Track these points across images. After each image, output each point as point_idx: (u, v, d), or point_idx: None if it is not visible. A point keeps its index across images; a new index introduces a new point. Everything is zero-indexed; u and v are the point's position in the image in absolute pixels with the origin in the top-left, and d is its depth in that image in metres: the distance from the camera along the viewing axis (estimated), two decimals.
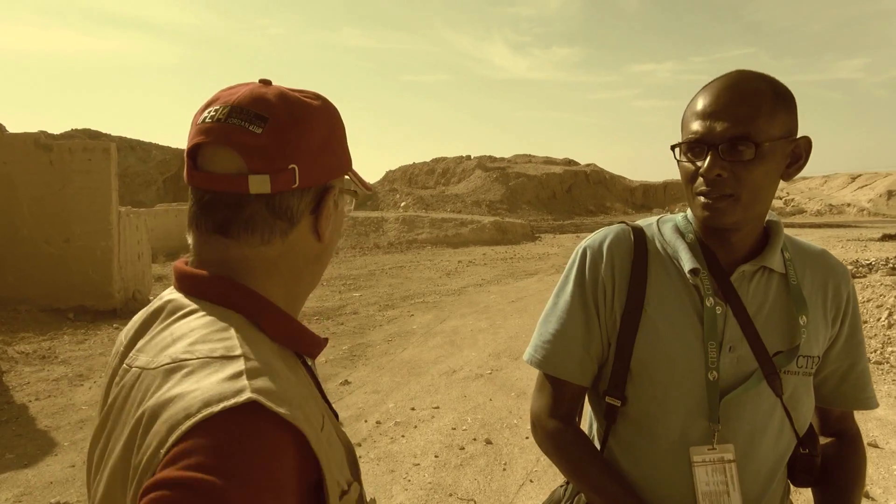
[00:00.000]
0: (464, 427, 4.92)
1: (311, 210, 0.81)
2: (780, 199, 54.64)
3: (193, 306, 0.76)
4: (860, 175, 57.43)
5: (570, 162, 57.20)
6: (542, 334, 1.29)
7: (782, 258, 1.20)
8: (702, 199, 1.12)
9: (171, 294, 0.81)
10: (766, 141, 1.07)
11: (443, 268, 16.87)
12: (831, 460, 1.28)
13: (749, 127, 1.06)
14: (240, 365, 0.66)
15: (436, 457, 4.35)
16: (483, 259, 19.13)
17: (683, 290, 1.19)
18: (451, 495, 3.80)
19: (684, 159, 1.14)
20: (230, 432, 0.60)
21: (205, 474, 0.57)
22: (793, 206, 51.08)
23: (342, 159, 0.86)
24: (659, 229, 1.27)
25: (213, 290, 0.77)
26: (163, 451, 0.60)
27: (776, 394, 1.14)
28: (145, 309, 0.84)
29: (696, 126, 1.11)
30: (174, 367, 0.68)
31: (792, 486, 1.26)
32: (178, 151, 37.73)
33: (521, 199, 45.85)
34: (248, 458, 0.60)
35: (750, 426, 1.15)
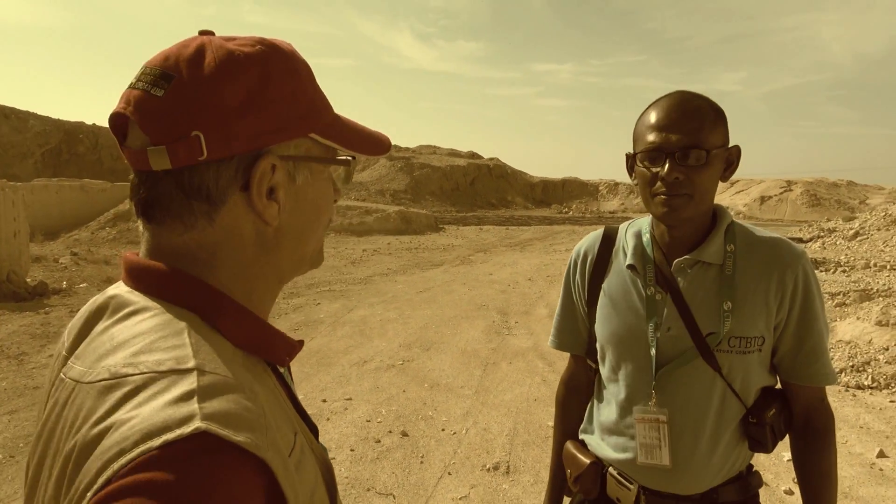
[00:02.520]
0: (378, 419, 4.83)
1: (241, 186, 0.66)
2: None
3: (141, 304, 0.64)
4: (737, 181, 61.94)
5: (473, 155, 57.90)
6: (554, 322, 1.69)
7: (723, 250, 1.36)
8: (661, 198, 1.31)
9: (116, 288, 0.68)
10: (712, 149, 1.28)
11: (347, 256, 16.60)
12: (804, 460, 1.42)
13: (698, 137, 1.26)
14: (191, 382, 0.54)
15: (351, 450, 4.24)
16: (388, 248, 19.00)
17: (631, 280, 1.44)
18: (368, 490, 3.71)
19: (642, 166, 1.33)
20: (176, 473, 0.48)
21: None
22: None
23: (291, 116, 0.68)
24: (625, 230, 1.52)
25: (162, 284, 0.65)
26: (90, 495, 0.49)
27: (714, 369, 1.33)
28: (91, 302, 0.71)
29: (652, 137, 1.30)
30: (112, 385, 0.55)
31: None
32: (59, 123, 34.89)
33: (425, 190, 45.97)
34: None
35: (685, 394, 1.36)
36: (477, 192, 49.73)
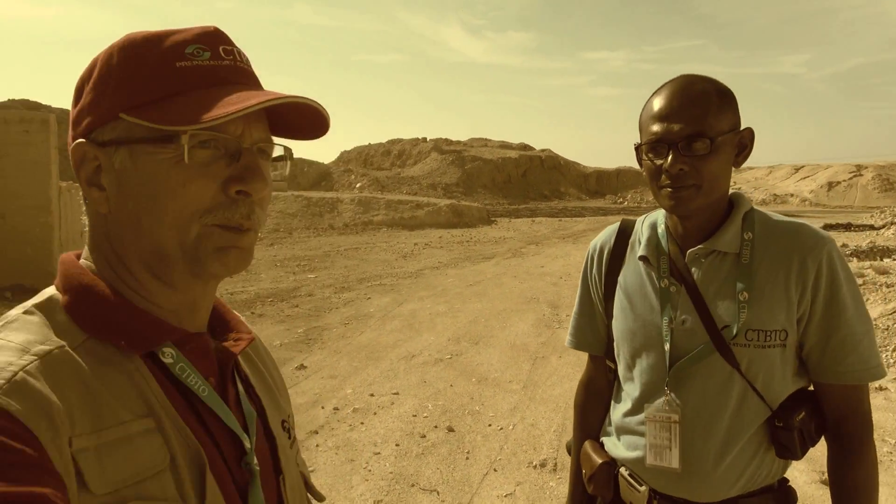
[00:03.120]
0: (424, 414, 4.81)
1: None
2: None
3: (43, 290, 0.71)
4: (803, 166, 59.52)
5: (525, 146, 57.42)
6: (571, 321, 1.63)
7: (739, 238, 1.29)
8: (668, 190, 1.25)
9: None
10: (718, 135, 1.21)
11: (399, 250, 16.71)
12: (834, 470, 1.30)
13: (702, 125, 1.20)
14: None
15: (396, 445, 4.23)
16: (439, 242, 19.03)
17: (645, 273, 1.39)
18: (413, 485, 3.68)
19: (647, 159, 1.28)
20: None
21: None
22: None
23: (98, 101, 0.68)
24: (641, 223, 1.47)
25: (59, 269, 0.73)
26: None
27: (731, 364, 1.25)
28: None
29: (654, 128, 1.25)
30: None
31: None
32: None
33: (476, 183, 45.87)
34: None
35: (700, 392, 1.28)
36: (529, 183, 49.31)
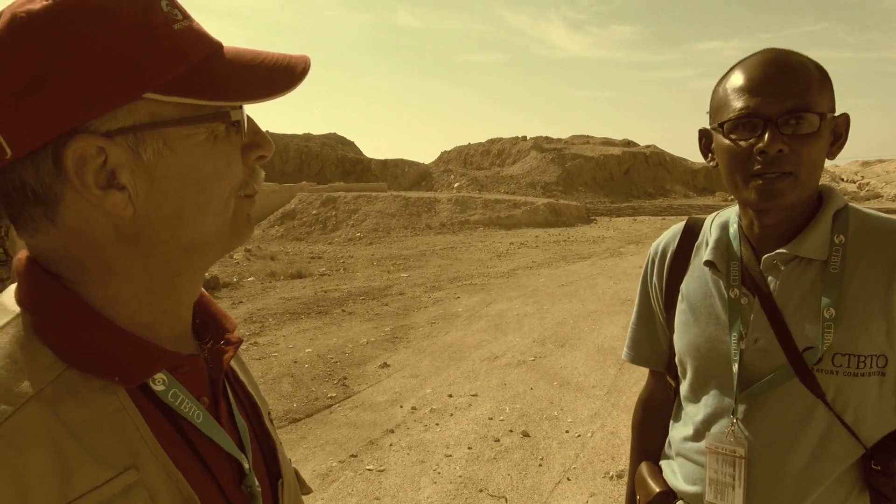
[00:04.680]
0: (501, 417, 4.71)
1: (68, 177, 0.55)
2: (855, 182, 51.86)
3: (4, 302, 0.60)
4: None
5: (629, 143, 55.66)
6: (629, 331, 1.46)
7: (829, 242, 1.09)
8: (758, 180, 1.04)
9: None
10: (825, 113, 1.02)
11: (494, 249, 16.63)
12: None
13: (806, 99, 1.01)
14: None
15: (469, 448, 4.16)
16: (535, 241, 18.76)
17: (712, 281, 1.20)
18: (481, 491, 3.60)
19: (729, 140, 1.07)
20: None
21: None
22: (867, 190, 48.36)
23: (106, 80, 0.53)
24: (711, 222, 1.28)
25: (18, 284, 0.60)
26: None
27: (815, 394, 1.06)
28: None
29: (744, 102, 1.05)
30: None
31: None
32: None
33: (577, 181, 44.95)
34: None
35: (774, 425, 1.10)
36: (632, 181, 47.71)
